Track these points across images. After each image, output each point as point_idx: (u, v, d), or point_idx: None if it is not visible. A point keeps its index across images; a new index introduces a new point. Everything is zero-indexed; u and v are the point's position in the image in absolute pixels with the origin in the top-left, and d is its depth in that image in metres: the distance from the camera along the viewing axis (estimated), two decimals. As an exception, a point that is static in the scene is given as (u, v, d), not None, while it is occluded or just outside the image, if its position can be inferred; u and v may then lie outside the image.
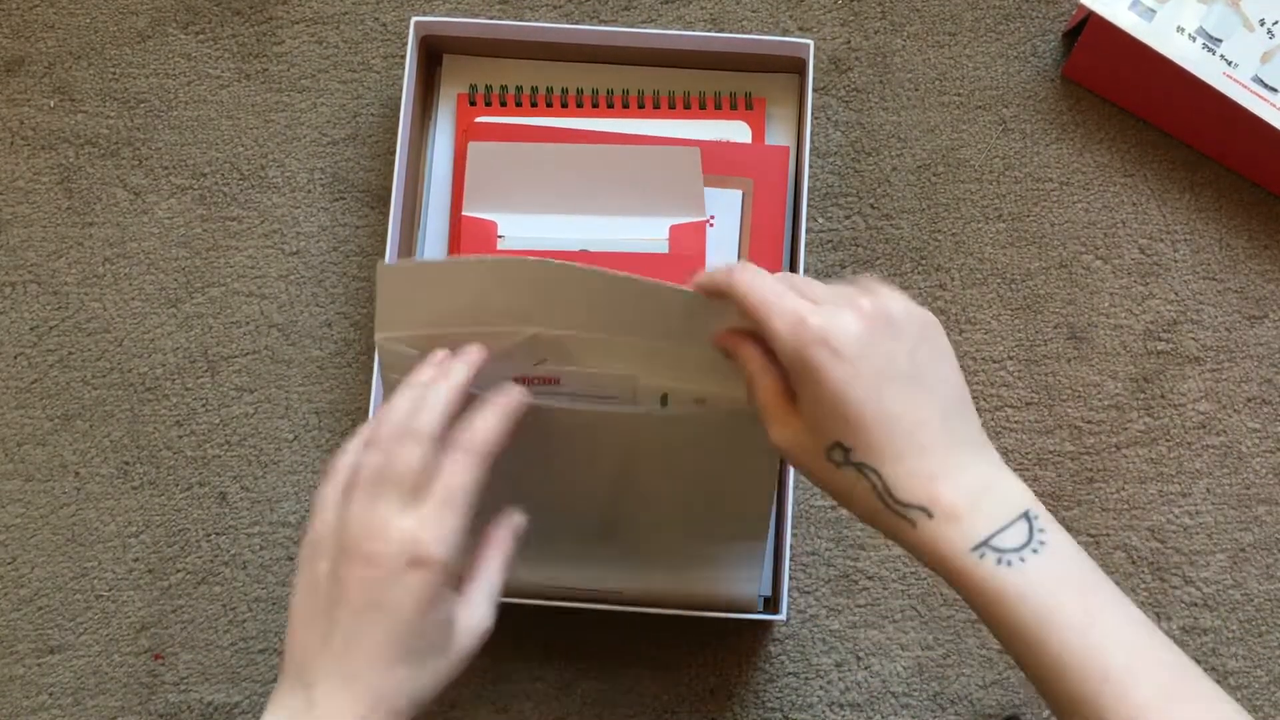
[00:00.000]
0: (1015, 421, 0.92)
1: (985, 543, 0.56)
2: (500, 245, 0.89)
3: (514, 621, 0.89)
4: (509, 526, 0.67)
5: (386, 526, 0.60)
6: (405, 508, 0.60)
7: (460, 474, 0.61)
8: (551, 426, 0.69)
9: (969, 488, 0.57)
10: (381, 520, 0.60)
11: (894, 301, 0.59)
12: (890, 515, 0.57)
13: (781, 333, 0.58)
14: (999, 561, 0.55)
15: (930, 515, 0.56)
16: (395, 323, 0.66)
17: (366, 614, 0.59)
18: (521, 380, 0.67)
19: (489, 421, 0.63)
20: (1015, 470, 0.91)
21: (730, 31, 0.97)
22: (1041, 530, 0.56)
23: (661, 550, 0.80)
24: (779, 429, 0.60)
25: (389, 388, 0.67)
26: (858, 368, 0.57)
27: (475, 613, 0.63)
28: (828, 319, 0.57)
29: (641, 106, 0.93)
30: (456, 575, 0.62)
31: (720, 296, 0.62)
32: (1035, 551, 0.56)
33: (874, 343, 0.57)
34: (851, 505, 0.59)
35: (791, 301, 0.59)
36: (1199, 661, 0.89)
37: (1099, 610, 0.55)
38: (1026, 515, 0.57)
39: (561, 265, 0.64)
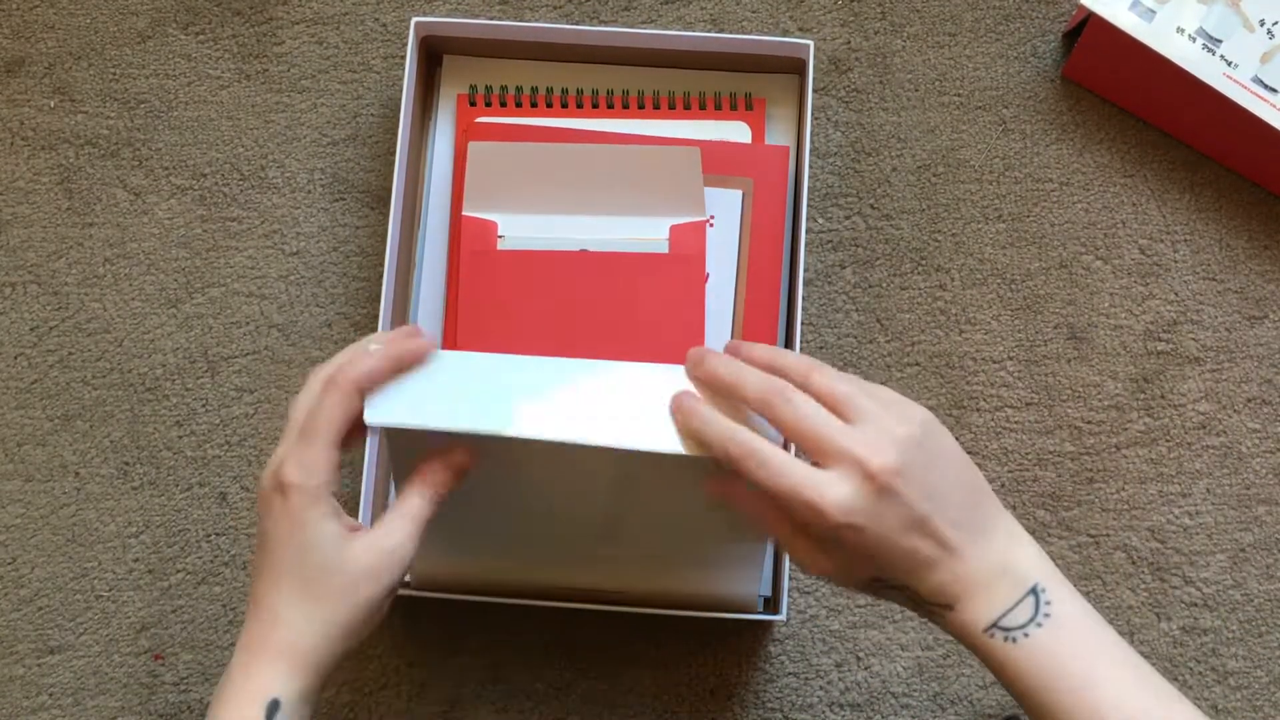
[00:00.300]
0: (1015, 421, 0.92)
1: (995, 624, 0.63)
2: (500, 245, 0.89)
3: (514, 621, 0.89)
4: (441, 458, 0.68)
5: (269, 463, 0.65)
6: (290, 446, 0.65)
7: (327, 407, 0.64)
8: (548, 455, 0.68)
9: (984, 574, 0.63)
10: (271, 460, 0.66)
11: (896, 427, 0.63)
12: (922, 611, 0.65)
13: (806, 520, 0.62)
14: (1006, 639, 0.62)
15: (952, 609, 0.63)
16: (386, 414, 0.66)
17: (258, 545, 0.66)
18: None
19: (367, 362, 0.65)
20: (1015, 470, 0.91)
21: (730, 32, 0.97)
22: (1048, 603, 0.63)
23: (661, 551, 0.80)
24: (813, 567, 0.65)
25: (396, 456, 0.69)
26: (880, 529, 0.62)
27: (384, 538, 0.65)
28: (840, 500, 0.61)
29: (641, 107, 0.93)
30: (333, 502, 0.65)
31: (723, 460, 0.64)
32: (1040, 625, 0.62)
33: (889, 502, 0.62)
34: (884, 600, 0.70)
35: (804, 483, 0.61)
36: (1199, 662, 0.89)
37: (1101, 674, 0.62)
38: (1034, 590, 0.63)
39: (547, 444, 0.65)
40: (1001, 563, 0.64)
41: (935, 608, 0.64)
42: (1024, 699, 0.62)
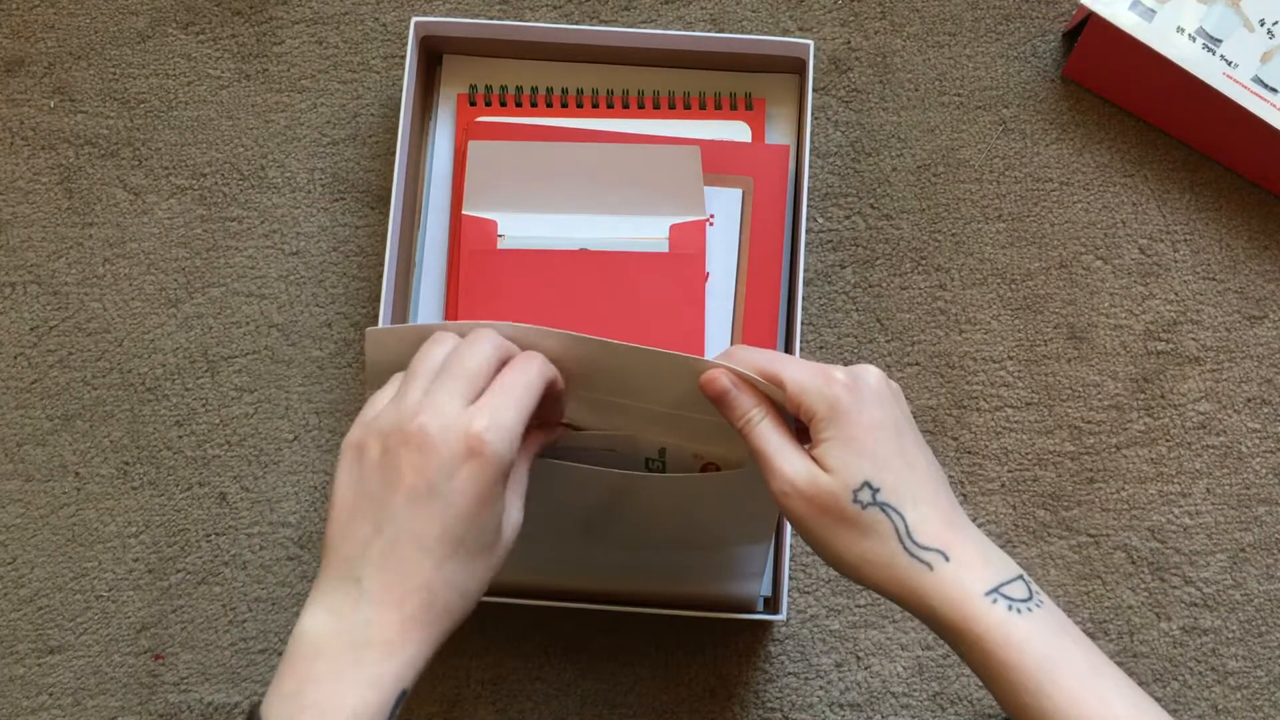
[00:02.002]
0: (1015, 421, 0.92)
1: (996, 589, 0.59)
2: (500, 244, 0.89)
3: (514, 621, 0.89)
4: (540, 432, 0.65)
5: (445, 414, 0.58)
6: (466, 402, 0.59)
7: (521, 373, 0.60)
8: (546, 476, 0.68)
9: (975, 542, 0.61)
10: (440, 408, 0.58)
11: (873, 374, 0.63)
12: (908, 560, 0.60)
13: (807, 380, 0.61)
14: (1010, 608, 0.59)
15: (947, 559, 0.60)
16: (385, 378, 0.64)
17: (422, 502, 0.58)
18: None
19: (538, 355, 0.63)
20: (1015, 470, 0.91)
21: (730, 32, 0.97)
22: (1037, 592, 0.60)
23: (662, 552, 0.80)
24: (791, 469, 0.61)
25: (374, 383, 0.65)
26: (883, 413, 0.61)
27: (518, 520, 0.62)
28: (848, 371, 0.61)
29: (641, 107, 0.93)
30: (507, 474, 0.60)
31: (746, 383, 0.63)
32: (1039, 605, 0.59)
33: (890, 400, 0.62)
34: (862, 551, 0.60)
35: (807, 364, 0.62)
36: (1199, 662, 0.89)
37: (1100, 664, 0.59)
38: (1023, 577, 0.61)
39: (564, 335, 0.63)
40: (986, 541, 0.62)
41: (927, 552, 0.60)
42: (1014, 683, 0.58)
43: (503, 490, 0.59)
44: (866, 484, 0.60)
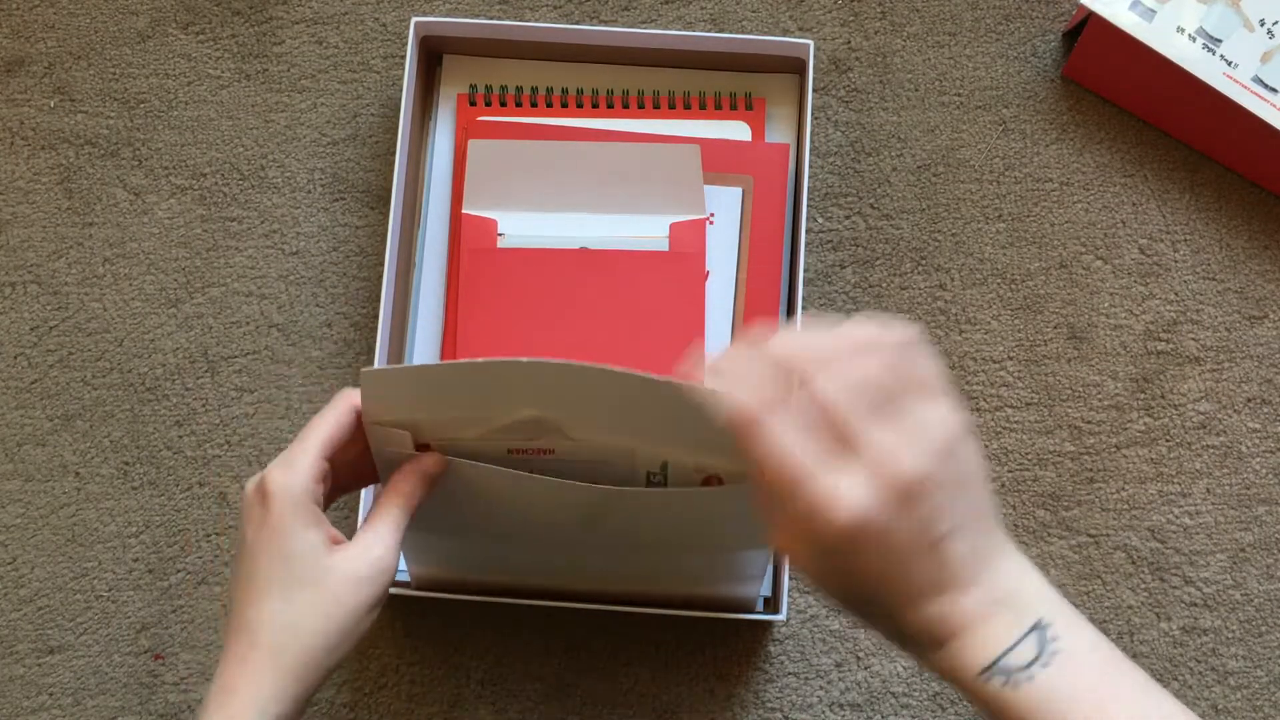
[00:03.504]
0: (1015, 421, 0.92)
1: (992, 666, 0.54)
2: (500, 243, 0.89)
3: (514, 621, 0.89)
4: (413, 466, 0.66)
5: (261, 472, 0.65)
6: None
7: (318, 419, 0.65)
8: (543, 494, 0.68)
9: (983, 607, 0.54)
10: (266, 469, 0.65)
11: (934, 428, 0.53)
12: (900, 644, 0.56)
13: (804, 516, 0.53)
14: (1005, 684, 0.53)
15: (940, 647, 0.55)
16: (382, 414, 0.65)
17: (237, 554, 0.65)
18: (516, 452, 0.67)
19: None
20: (1015, 470, 0.91)
21: (730, 31, 0.97)
22: (1054, 639, 0.54)
23: (662, 555, 0.79)
24: (800, 568, 0.57)
25: (383, 465, 0.67)
26: (890, 544, 0.53)
27: (365, 550, 0.64)
28: (855, 503, 0.51)
29: (641, 106, 0.93)
30: (316, 511, 0.64)
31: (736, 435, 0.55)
32: (1045, 665, 0.54)
33: (909, 513, 0.52)
34: (861, 618, 0.58)
35: (814, 474, 0.52)
36: (1199, 662, 0.89)
37: (1107, 715, 0.54)
38: (1038, 627, 0.54)
39: (563, 366, 0.61)
40: (1002, 592, 0.55)
41: (919, 644, 0.55)
42: None
43: (301, 526, 0.63)
44: (862, 599, 0.56)
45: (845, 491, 0.51)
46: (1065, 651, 0.54)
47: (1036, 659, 0.54)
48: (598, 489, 0.66)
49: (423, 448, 0.67)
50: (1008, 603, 0.54)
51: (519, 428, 0.66)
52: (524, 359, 0.61)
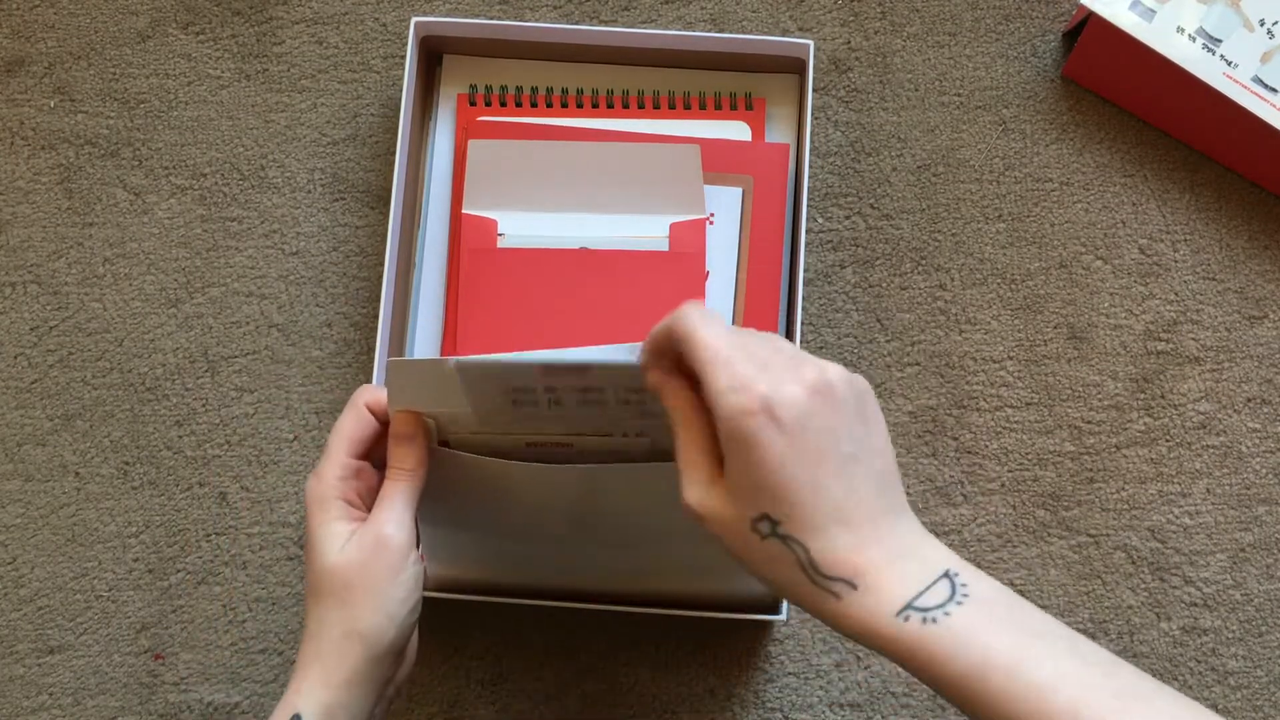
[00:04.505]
0: (1015, 421, 0.92)
1: (909, 605, 0.55)
2: (500, 243, 0.89)
3: (514, 621, 0.89)
4: (396, 439, 0.68)
5: None
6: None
7: (339, 421, 0.67)
8: (556, 484, 0.69)
9: (891, 555, 0.56)
10: None
11: (834, 371, 0.57)
12: (812, 588, 0.56)
13: (723, 392, 0.56)
14: (924, 620, 0.55)
15: (854, 587, 0.56)
16: (406, 405, 0.67)
17: None
18: (534, 446, 0.68)
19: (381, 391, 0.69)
20: (1015, 470, 0.91)
21: (730, 31, 0.97)
22: (964, 585, 0.56)
23: (662, 552, 0.80)
24: (698, 490, 0.58)
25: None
26: (798, 442, 0.55)
27: (380, 524, 0.66)
28: (773, 386, 0.55)
29: (641, 107, 0.93)
30: (342, 506, 0.66)
31: (670, 340, 0.59)
32: (959, 604, 0.55)
33: (815, 417, 0.56)
34: (768, 574, 0.58)
35: (738, 359, 0.56)
36: (1199, 662, 0.89)
37: (1030, 647, 0.55)
38: (948, 574, 0.56)
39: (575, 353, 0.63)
40: (910, 546, 0.57)
41: (833, 582, 0.56)
42: (949, 688, 0.55)
43: (326, 521, 0.66)
44: (765, 516, 0.56)
45: (760, 376, 0.55)
46: (975, 595, 0.56)
47: (950, 599, 0.55)
48: (587, 467, 0.67)
49: (443, 442, 0.68)
50: (915, 556, 0.57)
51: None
52: (547, 351, 0.62)
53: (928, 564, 0.57)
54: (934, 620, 0.55)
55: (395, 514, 0.65)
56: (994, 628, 0.55)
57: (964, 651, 0.54)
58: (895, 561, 0.56)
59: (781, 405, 0.55)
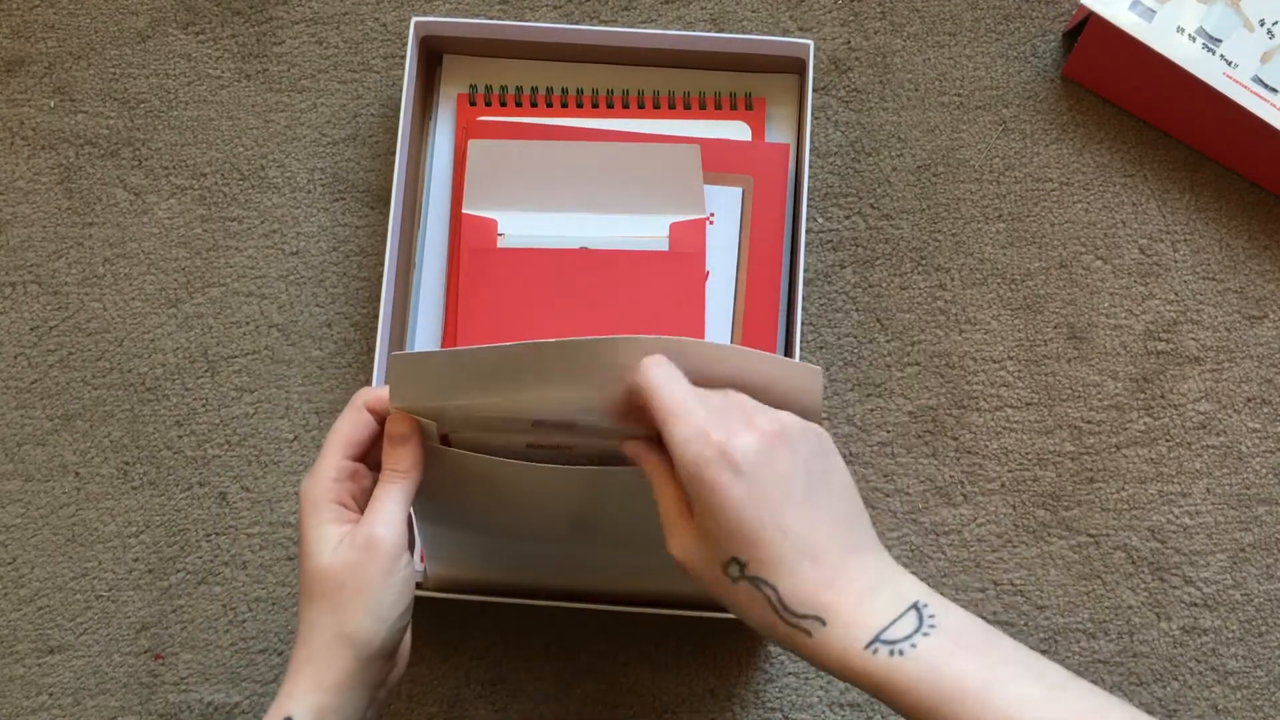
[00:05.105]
0: (1015, 421, 0.92)
1: (877, 638, 0.57)
2: (500, 243, 0.89)
3: (514, 621, 0.89)
4: (389, 441, 0.67)
5: None
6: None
7: (337, 423, 0.67)
8: (557, 485, 0.69)
9: (860, 590, 0.59)
10: None
11: (789, 418, 0.61)
12: (786, 627, 0.59)
13: (683, 441, 0.59)
14: (892, 653, 0.57)
15: (823, 622, 0.58)
16: (408, 400, 0.66)
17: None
18: (535, 447, 0.68)
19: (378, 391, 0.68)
20: (1015, 470, 0.91)
21: (730, 31, 0.97)
22: (931, 616, 0.58)
23: (662, 552, 0.79)
24: (677, 542, 0.61)
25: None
26: (755, 486, 0.58)
27: (371, 525, 0.65)
28: (729, 434, 0.58)
29: (641, 106, 0.93)
30: (336, 509, 0.66)
31: (636, 392, 0.62)
32: (926, 635, 0.57)
33: (772, 462, 0.59)
34: (748, 617, 0.61)
35: (696, 412, 0.59)
36: (1199, 662, 0.89)
37: (997, 675, 0.56)
38: (916, 605, 0.59)
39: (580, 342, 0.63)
40: (878, 580, 0.59)
41: (803, 620, 0.58)
42: (922, 718, 0.56)
43: (318, 524, 0.65)
44: (734, 559, 0.59)
45: (717, 426, 0.59)
46: (943, 625, 0.58)
47: (917, 630, 0.57)
48: (586, 469, 0.67)
49: (444, 441, 0.67)
50: (883, 590, 0.59)
51: (537, 428, 0.66)
52: (550, 339, 0.62)
53: (897, 597, 0.59)
54: (901, 652, 0.57)
55: (387, 515, 0.65)
56: (960, 657, 0.57)
57: (932, 681, 0.56)
58: (863, 596, 0.59)
59: (738, 451, 0.58)
